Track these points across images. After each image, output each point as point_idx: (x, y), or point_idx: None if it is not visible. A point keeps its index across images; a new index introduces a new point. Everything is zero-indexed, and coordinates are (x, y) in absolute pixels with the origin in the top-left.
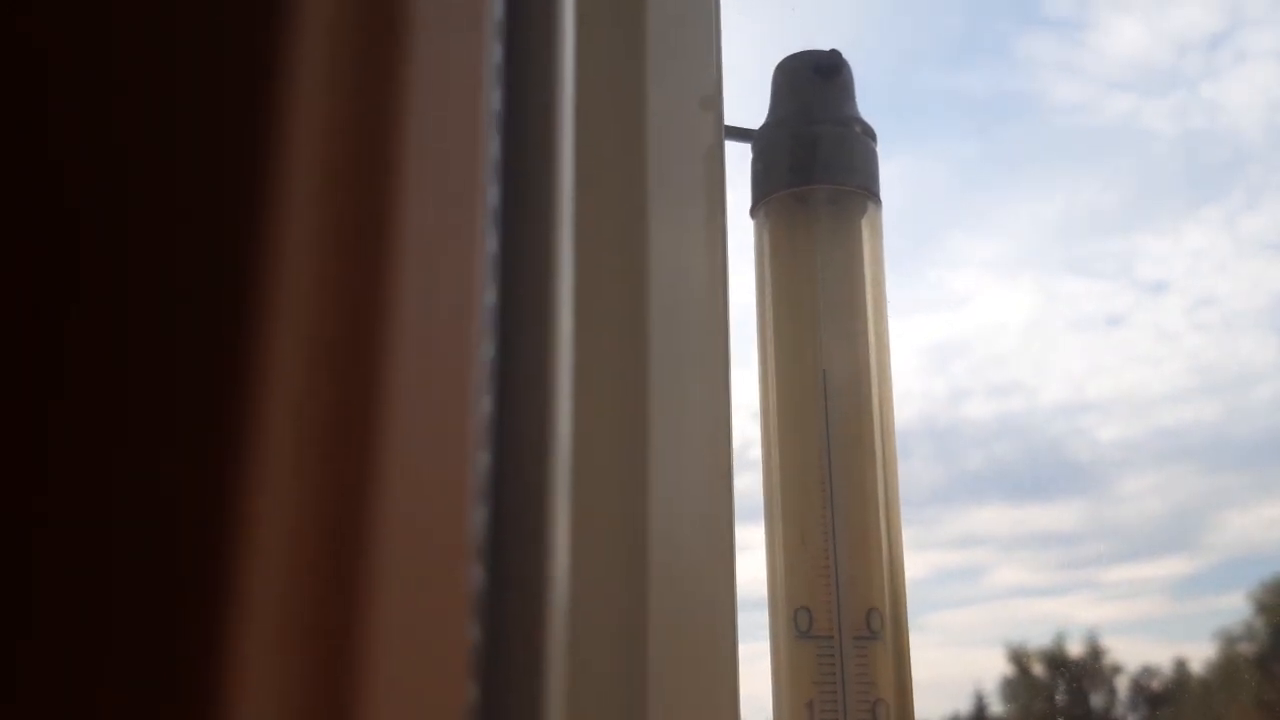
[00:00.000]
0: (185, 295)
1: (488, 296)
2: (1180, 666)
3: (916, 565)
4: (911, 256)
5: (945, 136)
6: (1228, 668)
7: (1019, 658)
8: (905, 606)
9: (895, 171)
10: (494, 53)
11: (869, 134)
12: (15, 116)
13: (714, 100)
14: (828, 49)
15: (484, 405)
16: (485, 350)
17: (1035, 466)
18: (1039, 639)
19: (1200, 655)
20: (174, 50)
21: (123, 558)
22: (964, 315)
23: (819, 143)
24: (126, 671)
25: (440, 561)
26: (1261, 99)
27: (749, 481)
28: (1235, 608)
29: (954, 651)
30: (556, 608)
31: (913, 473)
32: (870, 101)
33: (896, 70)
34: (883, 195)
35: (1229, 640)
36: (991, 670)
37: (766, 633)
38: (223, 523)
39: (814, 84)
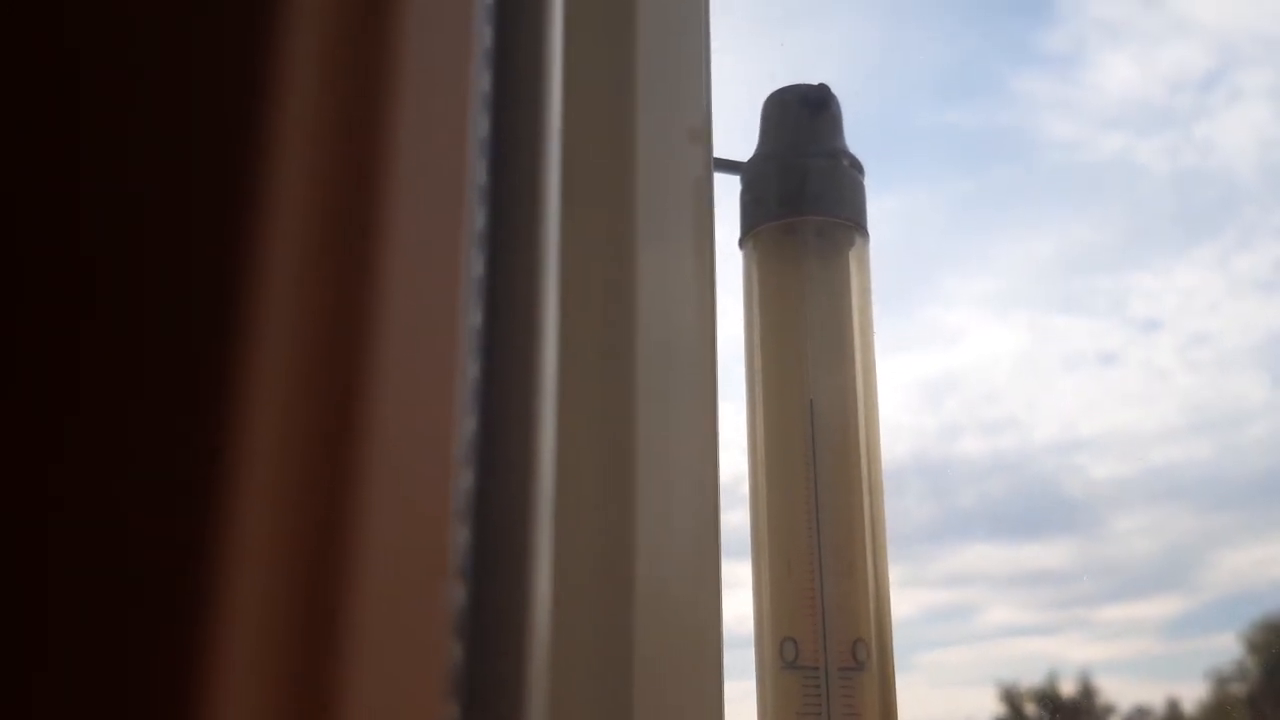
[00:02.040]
0: (166, 299)
1: (473, 319)
2: (1173, 706)
3: (907, 604)
4: (903, 292)
5: (938, 172)
6: (1219, 708)
7: (1011, 697)
8: (891, 637)
9: (888, 207)
10: (482, 81)
11: (857, 167)
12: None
13: (703, 133)
14: (816, 83)
15: (467, 427)
16: (469, 372)
17: (1027, 504)
18: (1031, 678)
19: (1192, 695)
20: (158, 43)
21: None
22: (956, 352)
23: (807, 175)
24: (106, 684)
25: (421, 582)
26: (1254, 138)
27: (742, 516)
28: (1227, 648)
29: (946, 691)
30: (539, 630)
31: (905, 510)
32: (862, 137)
33: (890, 106)
34: (875, 230)
35: (1221, 680)
36: (983, 710)
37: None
38: (202, 539)
39: (802, 117)
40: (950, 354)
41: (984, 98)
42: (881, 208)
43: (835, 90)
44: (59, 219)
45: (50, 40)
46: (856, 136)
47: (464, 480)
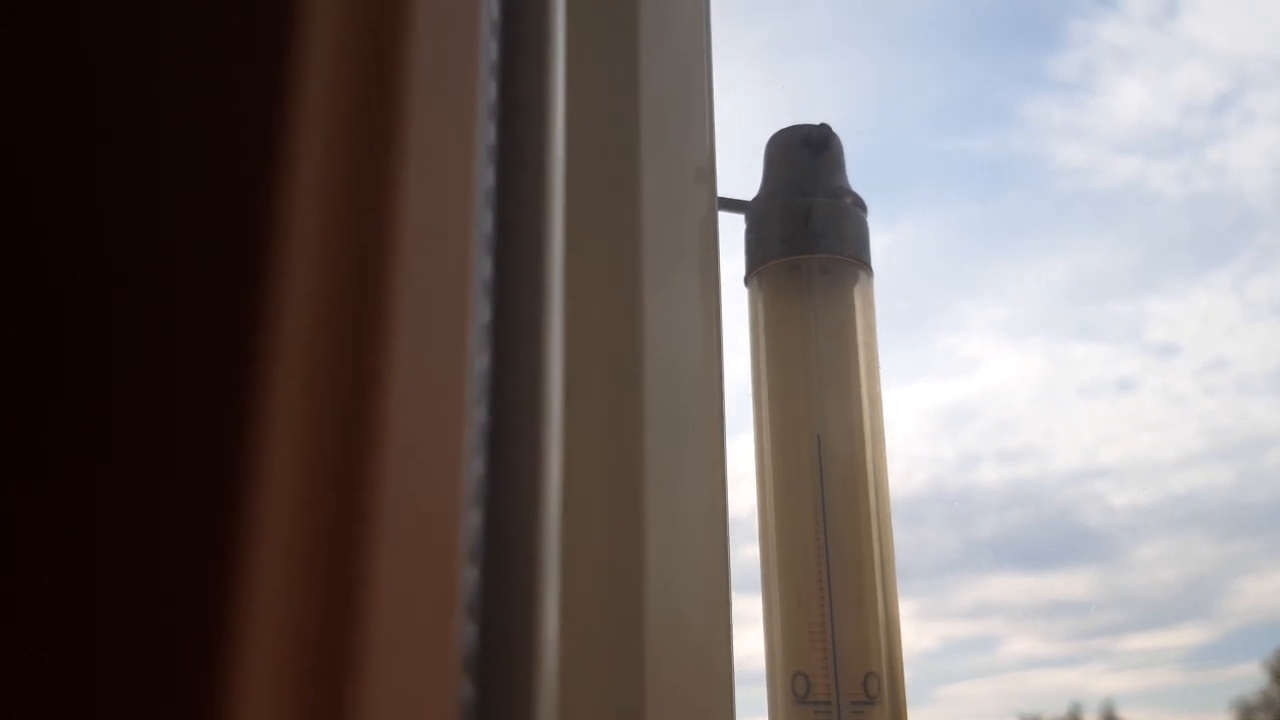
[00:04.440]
0: (187, 305)
1: (480, 361)
2: None
3: (929, 637)
4: (918, 320)
5: (952, 200)
6: None
7: None
8: (902, 670)
9: (902, 235)
10: (488, 132)
11: (860, 205)
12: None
13: (707, 172)
14: (818, 123)
15: (476, 466)
16: (478, 412)
17: (1047, 534)
18: (1054, 710)
19: None
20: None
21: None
22: (973, 380)
23: (811, 214)
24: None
25: (431, 620)
26: (1267, 161)
27: (756, 551)
28: (1251, 676)
29: None
30: (548, 669)
31: (924, 541)
32: (876, 166)
33: (903, 135)
34: (890, 260)
35: (1246, 709)
36: None
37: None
38: (217, 573)
39: (805, 157)
40: (967, 382)
41: (996, 125)
42: (896, 236)
43: (850, 121)
44: (83, 222)
45: (67, 43)
46: (870, 166)
47: (473, 519)
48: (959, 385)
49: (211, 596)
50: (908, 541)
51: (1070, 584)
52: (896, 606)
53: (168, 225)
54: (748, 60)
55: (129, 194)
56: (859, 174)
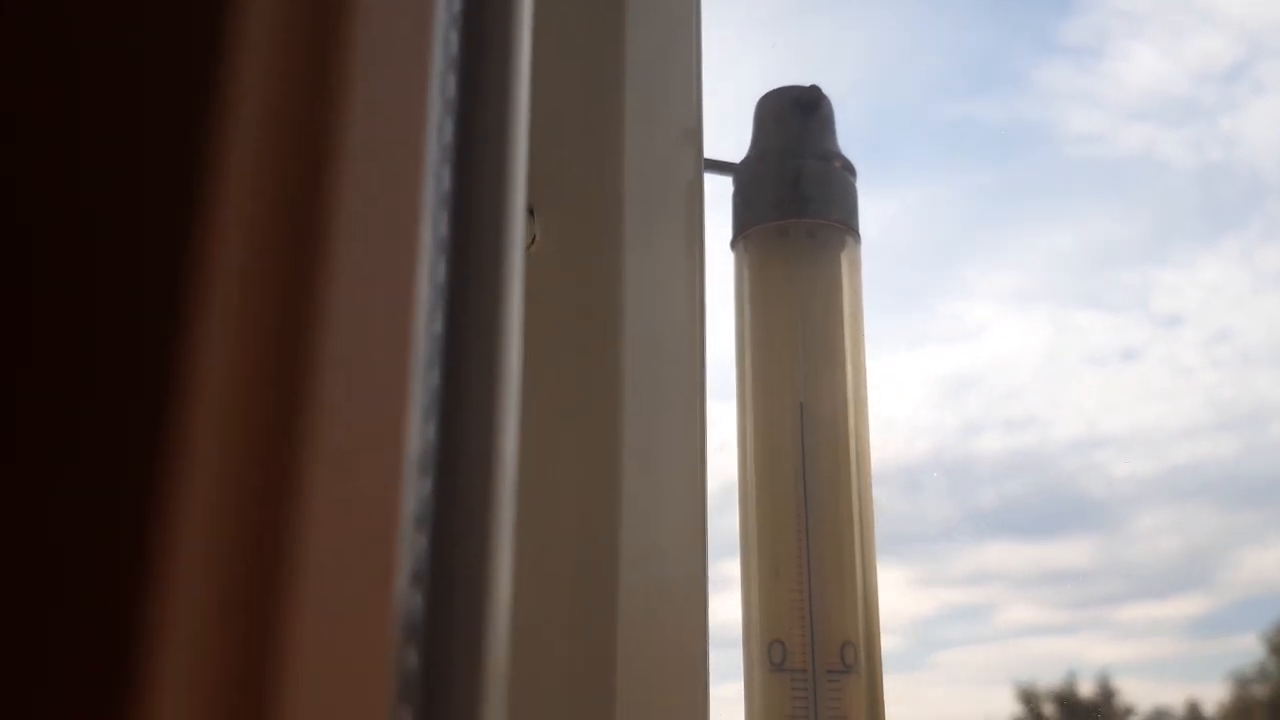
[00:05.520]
0: (115, 297)
1: (434, 325)
2: (1193, 709)
3: (927, 603)
4: (922, 287)
5: (959, 165)
6: (1241, 710)
7: (1029, 698)
8: (879, 639)
9: (908, 201)
10: (449, 84)
11: (849, 169)
12: None
13: (694, 134)
14: (808, 85)
15: (427, 433)
16: (430, 376)
17: (1048, 502)
18: (1050, 678)
19: (1213, 697)
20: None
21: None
22: (976, 347)
23: (800, 177)
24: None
25: (368, 586)
26: (1279, 132)
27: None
28: (1249, 649)
29: (962, 690)
30: (498, 638)
31: (923, 508)
32: (882, 130)
33: (909, 99)
34: (895, 226)
35: (1242, 682)
36: (1001, 710)
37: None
38: (141, 542)
39: (795, 119)
40: (972, 349)
41: (1005, 89)
42: (902, 201)
43: (854, 85)
44: (6, 212)
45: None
46: (875, 131)
47: (422, 486)
48: (963, 353)
49: (136, 561)
50: (908, 509)
51: (1070, 553)
52: (875, 577)
53: (99, 219)
54: (750, 21)
55: (58, 186)
56: (864, 140)
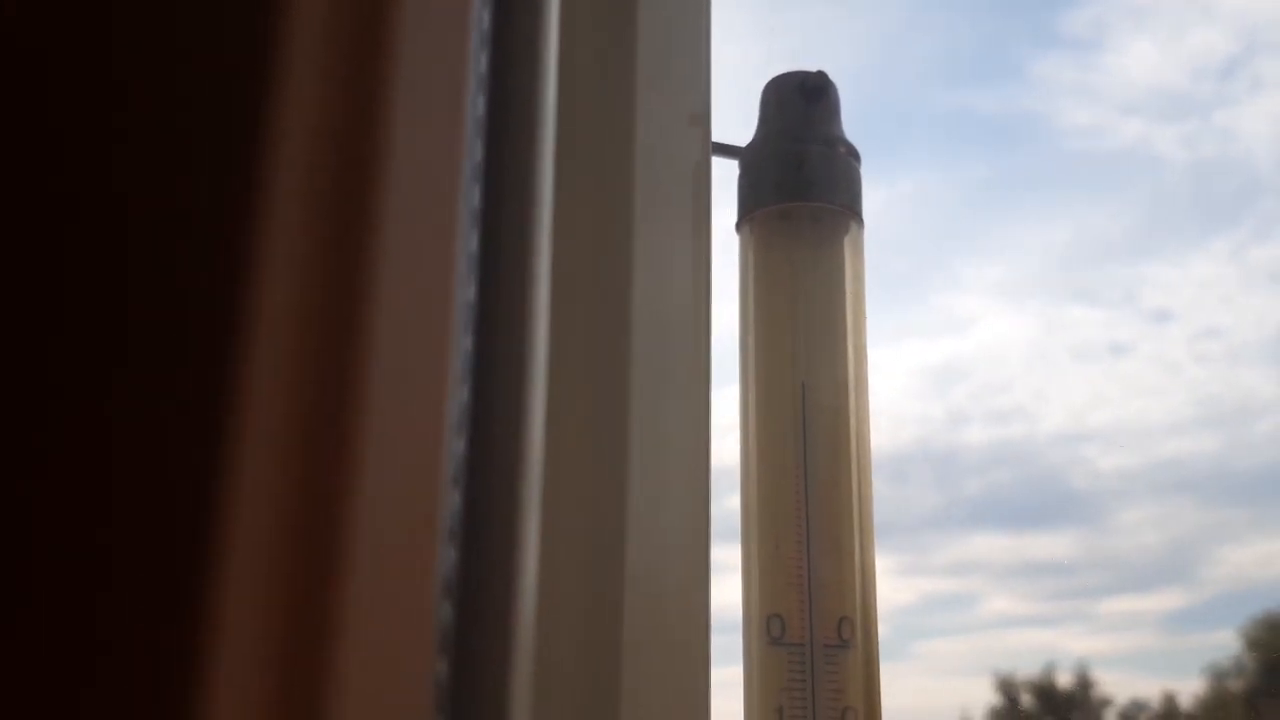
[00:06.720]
0: (163, 298)
1: (464, 342)
2: (1169, 701)
3: (908, 592)
4: (914, 278)
5: (954, 157)
6: (1216, 704)
7: (1007, 688)
8: (876, 616)
9: (903, 191)
10: (480, 61)
11: (853, 154)
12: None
13: (702, 117)
14: (814, 70)
15: (457, 446)
16: (460, 392)
17: (1032, 495)
18: (1028, 669)
19: (1190, 690)
20: (168, 49)
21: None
22: (966, 340)
23: (804, 162)
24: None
25: (408, 598)
26: (1274, 128)
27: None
28: (1227, 643)
29: (942, 680)
30: (523, 649)
31: (909, 498)
32: (878, 121)
33: (906, 91)
34: (888, 215)
35: (1219, 676)
36: (979, 700)
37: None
38: (192, 558)
39: (800, 104)
40: (960, 341)
41: (1002, 82)
42: (897, 192)
43: (853, 76)
44: (55, 218)
45: (43, 42)
46: (872, 121)
47: (453, 499)
48: (951, 345)
49: (186, 582)
50: (892, 498)
51: (1052, 545)
52: (873, 554)
53: (143, 221)
54: (754, 5)
55: (104, 186)
56: (862, 129)
